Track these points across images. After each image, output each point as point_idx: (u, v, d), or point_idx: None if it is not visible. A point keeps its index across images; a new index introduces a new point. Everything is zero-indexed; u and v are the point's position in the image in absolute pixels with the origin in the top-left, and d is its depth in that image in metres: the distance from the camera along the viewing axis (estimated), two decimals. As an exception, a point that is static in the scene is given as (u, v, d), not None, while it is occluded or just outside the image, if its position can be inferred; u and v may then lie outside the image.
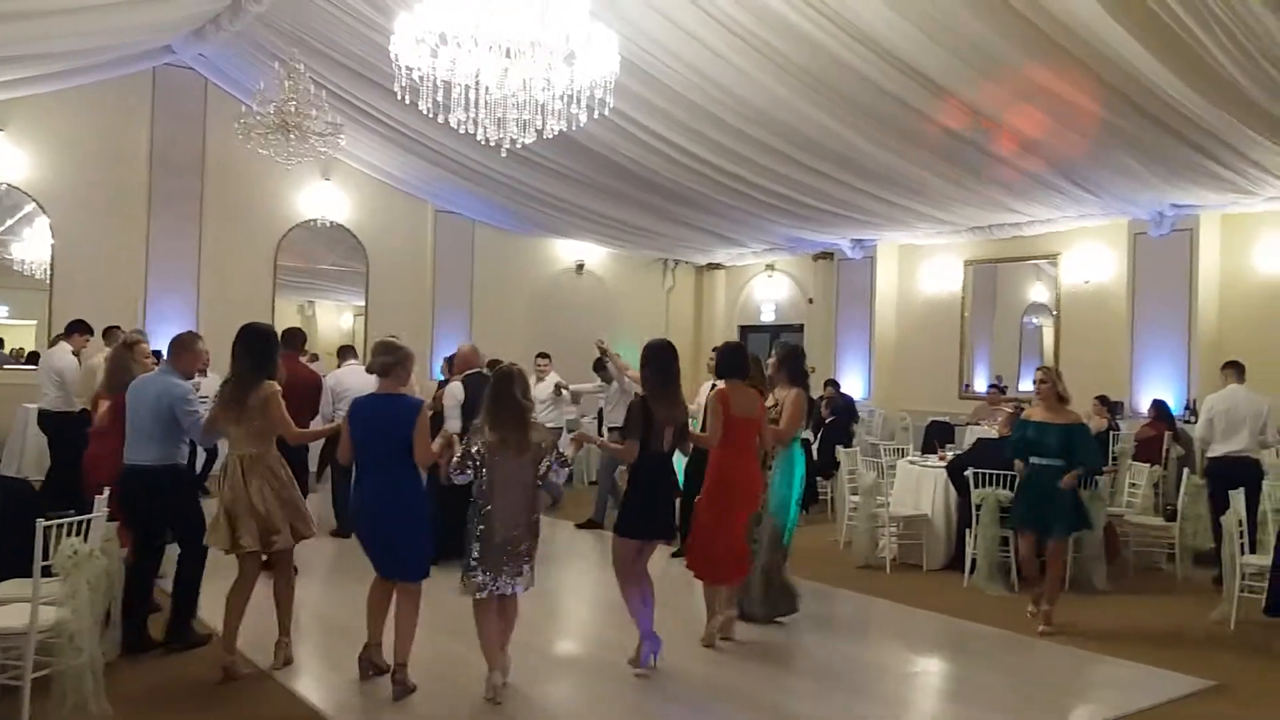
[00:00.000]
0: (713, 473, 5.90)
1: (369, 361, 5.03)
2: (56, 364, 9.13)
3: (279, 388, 5.22)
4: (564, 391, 10.57)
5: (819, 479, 10.66)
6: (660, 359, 5.51)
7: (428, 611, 5.11)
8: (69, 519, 4.42)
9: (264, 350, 5.25)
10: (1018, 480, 7.01)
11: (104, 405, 6.31)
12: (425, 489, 5.15)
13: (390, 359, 5.01)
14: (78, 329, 9.36)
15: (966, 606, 7.11)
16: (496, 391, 4.91)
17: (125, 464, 5.45)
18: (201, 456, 9.09)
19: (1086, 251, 12.79)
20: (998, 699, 5.30)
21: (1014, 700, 5.28)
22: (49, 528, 4.29)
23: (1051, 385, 6.76)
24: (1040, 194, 11.20)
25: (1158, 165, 9.67)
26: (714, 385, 9.24)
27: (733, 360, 6.18)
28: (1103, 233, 12.45)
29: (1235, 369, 8.83)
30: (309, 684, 5.18)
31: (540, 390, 9.98)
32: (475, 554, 4.82)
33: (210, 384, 7.72)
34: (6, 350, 12.94)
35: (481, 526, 4.83)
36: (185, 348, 5.71)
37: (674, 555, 7.80)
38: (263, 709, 4.85)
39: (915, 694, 5.54)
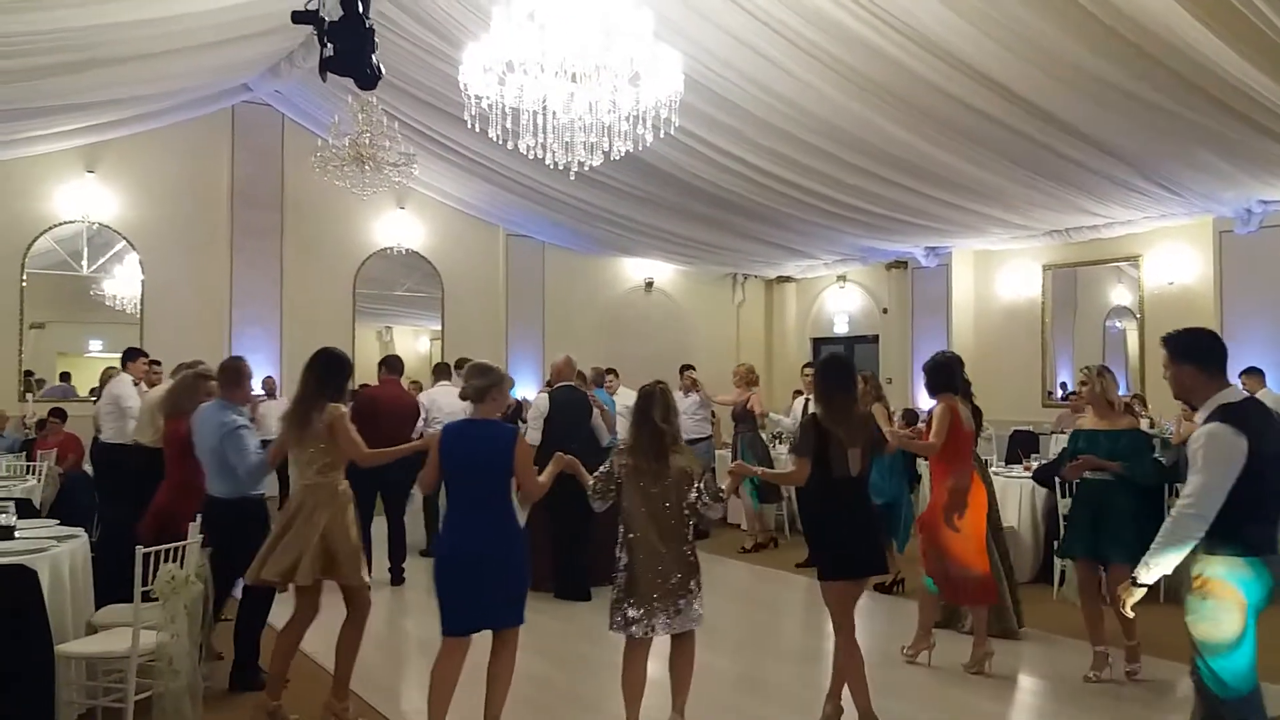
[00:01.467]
0: (947, 488, 5.86)
1: (462, 386, 4.75)
2: (114, 392, 8.77)
3: (344, 410, 4.97)
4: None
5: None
6: (834, 376, 5.03)
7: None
8: (167, 546, 4.56)
9: (325, 372, 5.04)
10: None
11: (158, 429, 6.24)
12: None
13: (484, 382, 4.59)
14: (134, 355, 9.11)
15: (1057, 619, 6.93)
16: (637, 413, 4.67)
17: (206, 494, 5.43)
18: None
19: (1170, 252, 12.43)
20: (1095, 715, 5.16)
21: (1112, 716, 5.14)
22: (148, 554, 4.43)
23: (1092, 387, 5.95)
24: (1119, 195, 10.92)
25: (1243, 161, 9.37)
26: (806, 400, 9.29)
27: (943, 374, 6.06)
28: (1186, 232, 12.09)
29: (1259, 374, 9.35)
30: (396, 708, 5.16)
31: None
32: (622, 586, 4.50)
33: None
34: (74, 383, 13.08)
35: (625, 557, 4.52)
36: (239, 375, 5.56)
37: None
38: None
39: (1010, 710, 5.42)
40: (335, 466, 4.94)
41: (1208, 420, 3.69)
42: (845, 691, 4.88)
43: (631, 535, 4.50)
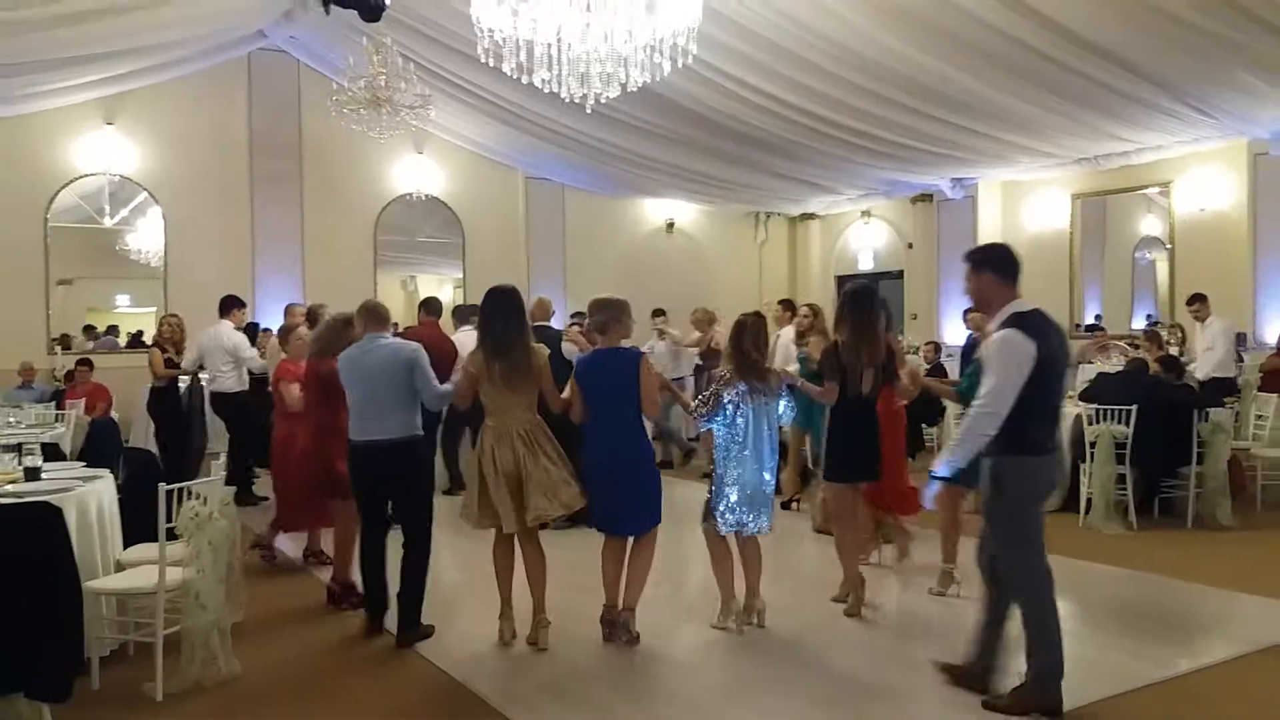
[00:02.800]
0: (891, 408, 6.07)
1: (589, 320, 5.13)
2: (227, 343, 8.76)
3: (548, 353, 5.10)
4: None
5: (923, 425, 10.49)
6: (855, 305, 5.49)
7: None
8: (189, 483, 4.60)
9: (508, 310, 5.02)
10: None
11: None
12: None
13: (604, 316, 5.09)
14: (235, 304, 9.13)
15: (1083, 547, 6.90)
16: (730, 344, 5.20)
17: (356, 440, 5.25)
18: None
19: (1202, 177, 12.13)
20: (1119, 637, 5.13)
21: (1137, 638, 5.11)
22: (171, 492, 4.47)
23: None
24: (1150, 118, 10.64)
25: (1279, 78, 9.10)
26: (777, 336, 9.42)
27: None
28: (1219, 156, 11.79)
29: (1204, 300, 9.86)
30: (437, 650, 5.08)
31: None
32: (733, 498, 5.07)
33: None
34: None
35: (738, 470, 5.06)
36: (382, 316, 5.50)
37: (783, 505, 7.90)
38: (400, 674, 4.93)
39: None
40: (536, 406, 5.07)
41: (1001, 327, 3.99)
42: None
43: (746, 453, 5.04)
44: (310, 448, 5.94)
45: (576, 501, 4.98)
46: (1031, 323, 3.99)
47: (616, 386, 4.94)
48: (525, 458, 4.88)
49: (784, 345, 8.83)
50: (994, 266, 4.16)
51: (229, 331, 8.87)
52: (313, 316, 7.97)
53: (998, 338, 3.99)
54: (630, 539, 5.07)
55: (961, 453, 4.00)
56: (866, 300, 5.51)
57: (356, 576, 5.62)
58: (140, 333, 13.14)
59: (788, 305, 9.92)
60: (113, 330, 13.23)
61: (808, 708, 4.25)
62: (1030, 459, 4.01)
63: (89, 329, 12.92)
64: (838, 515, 5.64)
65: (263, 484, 8.74)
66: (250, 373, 9.09)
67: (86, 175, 12.59)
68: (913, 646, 4.97)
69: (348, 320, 5.83)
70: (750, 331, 5.15)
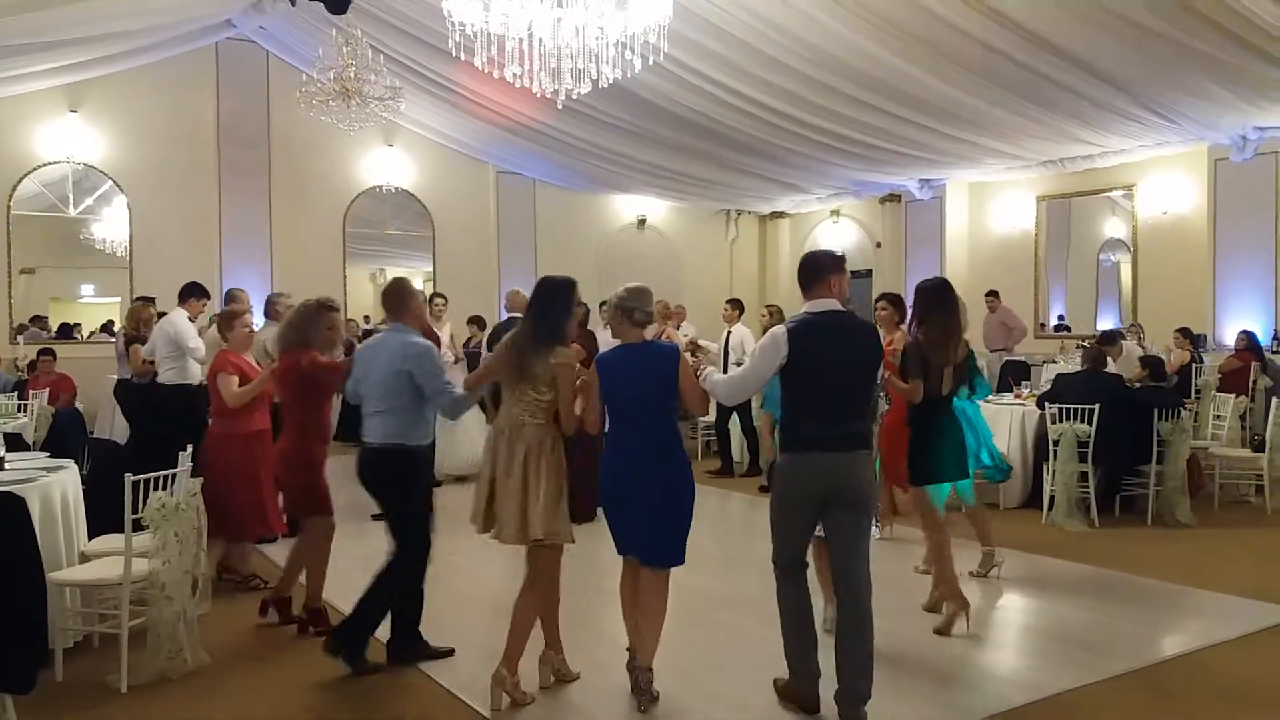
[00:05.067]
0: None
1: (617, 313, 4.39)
2: (172, 331, 7.85)
3: (572, 360, 4.30)
4: None
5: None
6: (940, 301, 5.27)
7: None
8: (155, 474, 4.56)
9: (540, 303, 4.31)
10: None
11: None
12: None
13: (631, 305, 4.30)
14: (195, 293, 8.25)
15: (1045, 543, 7.01)
16: None
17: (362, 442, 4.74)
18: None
19: (1164, 181, 12.37)
20: (1080, 632, 5.22)
21: (1097, 632, 5.20)
22: (137, 483, 4.44)
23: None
24: (1114, 123, 10.82)
25: (1239, 86, 9.28)
26: (728, 332, 10.00)
27: None
28: (1181, 160, 12.01)
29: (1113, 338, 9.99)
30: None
31: None
32: None
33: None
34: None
35: None
36: (408, 298, 4.80)
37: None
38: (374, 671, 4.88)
39: (995, 629, 5.47)
40: (553, 413, 4.27)
41: None
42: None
43: None
44: (291, 451, 5.19)
45: (558, 536, 4.19)
46: (805, 323, 4.02)
47: (648, 391, 4.14)
48: (524, 466, 4.17)
49: (739, 341, 9.78)
50: (800, 276, 4.22)
51: (178, 319, 8.05)
52: (269, 308, 7.71)
53: (770, 331, 4.14)
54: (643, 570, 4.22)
55: (709, 382, 4.22)
56: (949, 297, 5.31)
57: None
58: (110, 322, 12.98)
59: (736, 304, 10.35)
60: (36, 321, 12.94)
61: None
62: (794, 456, 4.02)
63: (26, 322, 12.57)
64: (933, 521, 5.32)
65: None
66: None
67: (49, 163, 12.45)
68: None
69: (322, 305, 5.26)
70: None
